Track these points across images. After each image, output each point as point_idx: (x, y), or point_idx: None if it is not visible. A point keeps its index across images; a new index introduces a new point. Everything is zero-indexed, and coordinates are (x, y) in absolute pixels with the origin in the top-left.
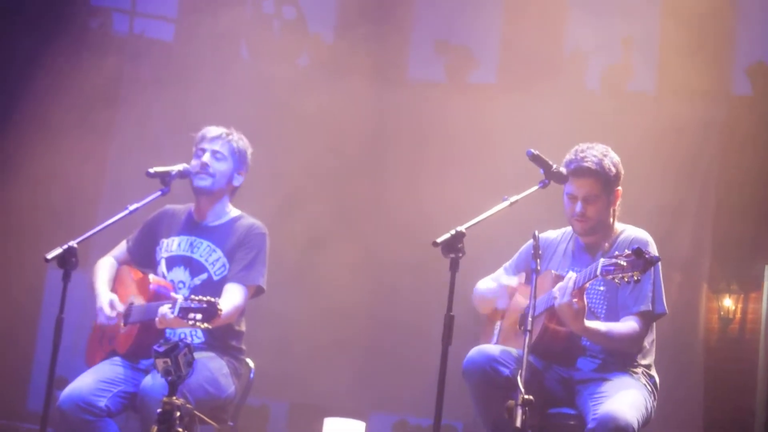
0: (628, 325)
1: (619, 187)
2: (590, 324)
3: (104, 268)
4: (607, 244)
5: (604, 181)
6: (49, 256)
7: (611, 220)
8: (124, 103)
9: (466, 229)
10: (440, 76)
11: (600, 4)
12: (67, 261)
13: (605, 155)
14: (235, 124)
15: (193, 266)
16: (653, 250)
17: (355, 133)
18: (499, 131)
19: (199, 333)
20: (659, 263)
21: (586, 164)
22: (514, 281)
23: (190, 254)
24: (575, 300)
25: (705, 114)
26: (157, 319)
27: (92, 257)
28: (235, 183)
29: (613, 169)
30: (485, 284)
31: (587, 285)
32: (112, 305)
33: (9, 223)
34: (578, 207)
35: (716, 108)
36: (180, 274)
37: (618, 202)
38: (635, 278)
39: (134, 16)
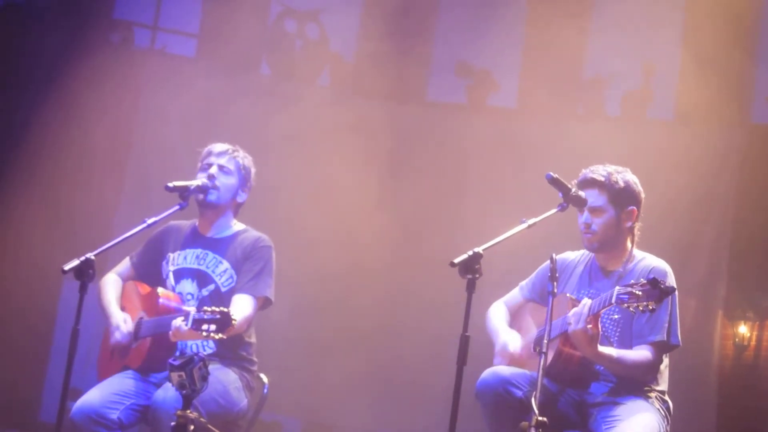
0: (641, 353)
1: (633, 207)
2: (604, 350)
3: (110, 286)
4: (623, 269)
5: (609, 192)
6: (66, 267)
7: (627, 241)
8: (144, 117)
9: (483, 250)
10: (460, 97)
11: (621, 30)
12: (84, 273)
13: (617, 171)
14: (253, 140)
15: (201, 278)
16: (671, 281)
17: (374, 152)
18: (518, 154)
19: (210, 343)
20: (676, 295)
21: (591, 175)
22: (515, 343)
23: (197, 266)
24: (590, 326)
25: (724, 141)
26: (170, 332)
27: (109, 270)
28: (239, 200)
29: (621, 184)
30: (496, 318)
31: (602, 312)
32: (126, 324)
33: (26, 234)
34: (584, 217)
35: (735, 135)
36: (188, 286)
37: (635, 225)
38: (650, 308)
39: (156, 30)
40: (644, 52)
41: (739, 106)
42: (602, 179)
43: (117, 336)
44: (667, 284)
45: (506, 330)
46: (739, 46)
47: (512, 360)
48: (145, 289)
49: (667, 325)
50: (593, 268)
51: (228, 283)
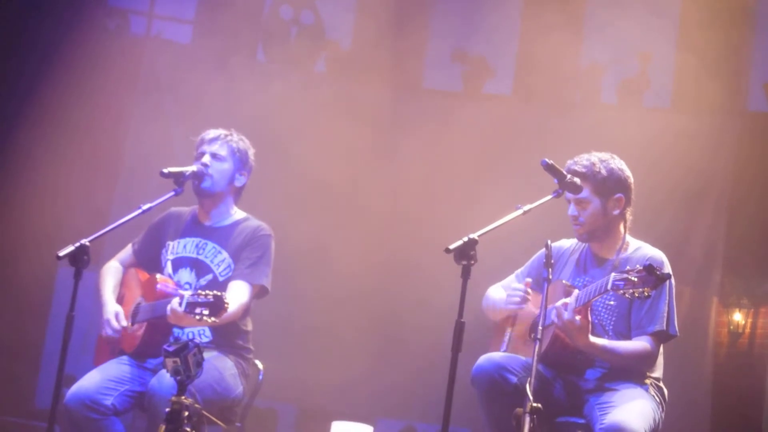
0: (638, 344)
1: (620, 194)
2: (596, 341)
3: (110, 275)
4: (617, 258)
5: (592, 183)
6: (61, 253)
7: (619, 228)
8: (139, 104)
9: (478, 236)
10: (456, 85)
11: (617, 17)
12: (79, 259)
13: (602, 161)
14: (249, 127)
15: (199, 267)
16: (667, 270)
17: (370, 139)
18: (514, 141)
19: (207, 332)
20: (673, 285)
21: (574, 167)
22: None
23: (196, 256)
24: (578, 317)
25: (720, 129)
26: (168, 313)
27: (104, 256)
28: (237, 184)
29: (604, 173)
30: (496, 292)
31: (591, 302)
32: (117, 319)
33: (21, 220)
34: (570, 209)
35: (731, 123)
36: (186, 275)
37: (624, 212)
38: (646, 294)
39: (152, 17)
40: (640, 39)
41: (735, 95)
42: (584, 170)
43: (106, 330)
44: (663, 271)
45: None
46: (735, 33)
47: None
48: (144, 275)
49: (665, 315)
50: (588, 256)
51: (226, 272)
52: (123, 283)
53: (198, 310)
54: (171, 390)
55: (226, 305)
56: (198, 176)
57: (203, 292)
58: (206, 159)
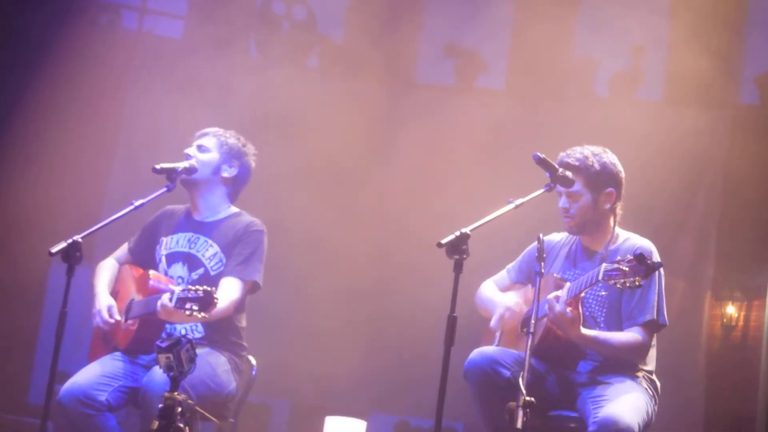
0: (629, 335)
1: (611, 189)
2: (588, 332)
3: (106, 270)
4: (605, 251)
5: (585, 176)
6: (54, 250)
7: (610, 221)
8: (131, 100)
9: (470, 230)
10: (448, 79)
11: (610, 11)
12: (71, 255)
13: (594, 154)
14: (242, 123)
15: (191, 261)
16: (656, 258)
17: (363, 133)
18: (507, 135)
19: (200, 327)
20: (663, 275)
21: (567, 159)
22: (510, 300)
23: (188, 250)
24: (569, 309)
25: (712, 122)
26: (158, 309)
27: (96, 252)
28: (225, 174)
29: (597, 167)
30: (488, 290)
31: (582, 294)
32: (110, 312)
33: (14, 216)
34: (561, 202)
35: (723, 116)
36: (179, 269)
37: (615, 206)
38: (637, 283)
39: (144, 13)
40: (633, 33)
41: (727, 88)
42: (577, 163)
43: (97, 320)
44: (653, 259)
45: (501, 295)
46: (727, 27)
47: (515, 321)
48: (138, 271)
49: (655, 304)
50: (578, 249)
51: (217, 267)
52: (118, 279)
53: (188, 305)
54: (164, 386)
55: (215, 300)
56: (190, 172)
57: (193, 288)
58: (190, 150)
